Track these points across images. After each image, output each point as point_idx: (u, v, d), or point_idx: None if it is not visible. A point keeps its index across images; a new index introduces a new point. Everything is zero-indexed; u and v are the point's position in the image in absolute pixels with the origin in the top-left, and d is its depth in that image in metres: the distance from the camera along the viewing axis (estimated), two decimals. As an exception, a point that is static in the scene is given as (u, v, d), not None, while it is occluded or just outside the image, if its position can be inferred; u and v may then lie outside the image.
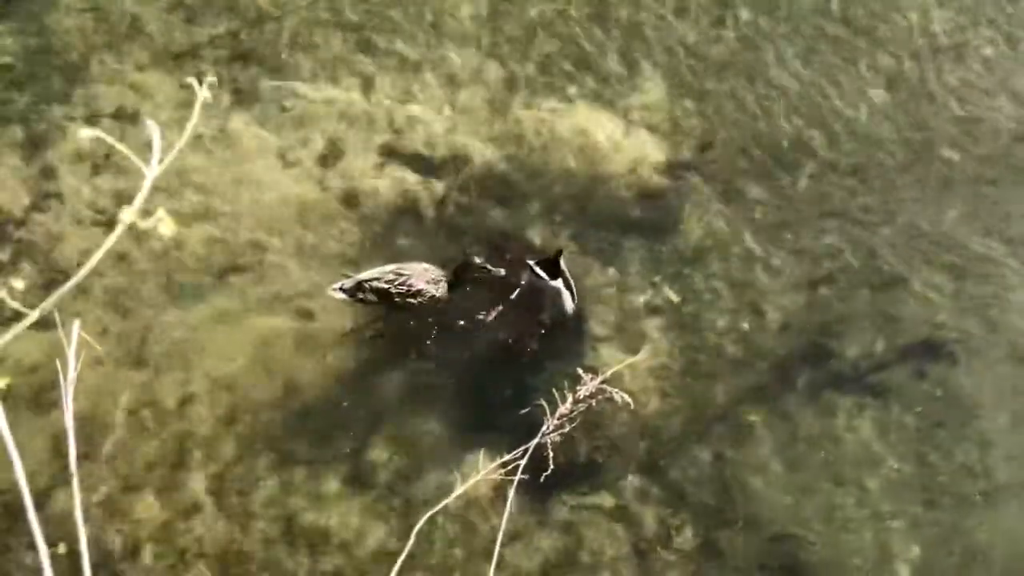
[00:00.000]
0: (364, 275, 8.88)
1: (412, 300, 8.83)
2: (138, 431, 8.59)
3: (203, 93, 3.18)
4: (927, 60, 10.39)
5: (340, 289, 8.86)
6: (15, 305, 3.34)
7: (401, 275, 8.82)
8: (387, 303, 8.87)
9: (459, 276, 8.91)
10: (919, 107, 10.17)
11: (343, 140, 9.79)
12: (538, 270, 8.86)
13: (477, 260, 8.84)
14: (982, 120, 10.12)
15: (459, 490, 6.08)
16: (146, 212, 3.29)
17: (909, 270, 9.41)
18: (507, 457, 6.51)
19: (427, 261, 9.04)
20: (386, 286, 8.79)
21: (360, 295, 8.84)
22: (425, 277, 8.85)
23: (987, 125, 10.10)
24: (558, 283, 8.87)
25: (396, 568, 5.65)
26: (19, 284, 3.43)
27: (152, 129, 3.19)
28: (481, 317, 9.12)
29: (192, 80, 3.24)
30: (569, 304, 8.99)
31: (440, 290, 8.91)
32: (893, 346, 9.12)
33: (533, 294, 9.03)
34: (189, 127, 3.23)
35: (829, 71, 10.33)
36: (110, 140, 3.42)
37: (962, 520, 8.57)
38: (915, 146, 9.98)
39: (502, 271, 8.92)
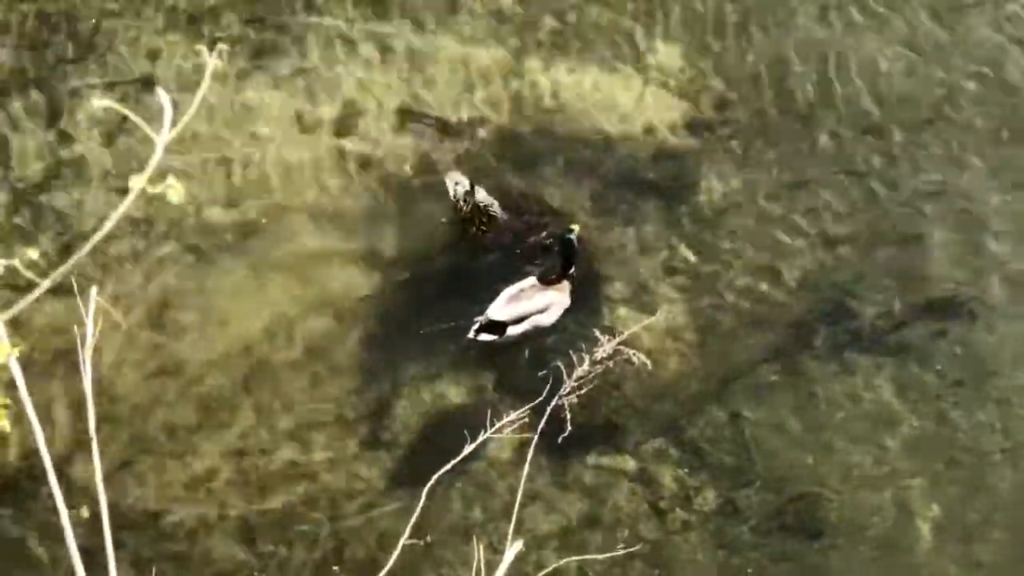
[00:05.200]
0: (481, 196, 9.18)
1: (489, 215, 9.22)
2: (158, 395, 8.65)
3: (213, 61, 3.16)
4: (946, 16, 10.28)
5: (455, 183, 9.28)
6: (28, 275, 3.36)
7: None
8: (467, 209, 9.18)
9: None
10: (938, 63, 10.07)
11: (359, 103, 9.77)
12: (482, 337, 8.83)
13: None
14: (1001, 76, 10.02)
15: (467, 449, 6.08)
16: (160, 178, 3.29)
17: (928, 228, 9.36)
18: (513, 416, 6.52)
19: (444, 223, 9.24)
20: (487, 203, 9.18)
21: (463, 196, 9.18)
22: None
23: (1006, 81, 9.99)
24: (509, 332, 8.88)
25: (409, 527, 5.68)
26: (33, 254, 3.45)
27: (163, 98, 3.18)
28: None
29: (203, 48, 3.24)
30: (546, 322, 8.97)
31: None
32: (912, 304, 9.08)
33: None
34: (199, 96, 3.23)
35: (848, 29, 10.23)
36: (122, 109, 3.41)
37: (982, 478, 8.56)
38: (934, 103, 9.90)
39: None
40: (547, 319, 8.89)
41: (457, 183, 9.12)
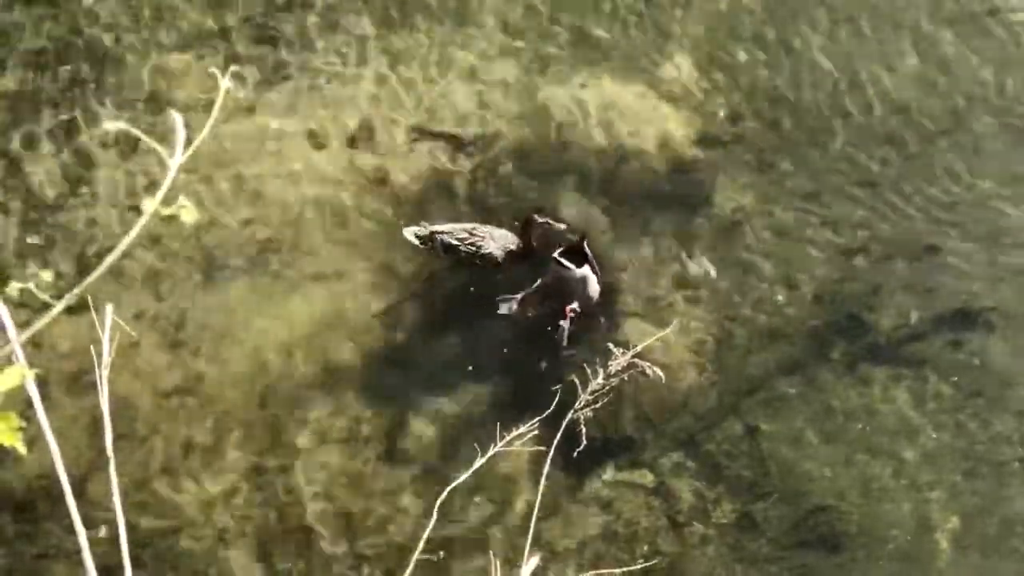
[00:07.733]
0: (439, 227, 9.02)
1: (478, 261, 8.99)
2: (175, 413, 8.66)
3: (225, 84, 3.18)
4: (960, 25, 10.26)
5: (415, 234, 9.07)
6: (43, 297, 3.38)
7: (473, 235, 8.98)
8: (454, 258, 9.02)
9: (525, 232, 9.00)
10: (952, 73, 10.04)
11: (372, 120, 9.79)
12: (564, 261, 8.77)
13: (538, 217, 8.91)
14: (1018, 85, 9.99)
15: (477, 463, 6.08)
16: (172, 199, 3.30)
17: (943, 239, 9.34)
18: (522, 429, 6.51)
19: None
20: (455, 243, 8.95)
21: (430, 244, 9.03)
22: (500, 242, 9.03)
23: (1022, 91, 9.97)
24: (585, 270, 8.79)
25: (421, 543, 5.68)
26: (47, 276, 3.48)
27: (176, 120, 3.20)
28: (505, 310, 9.09)
29: (216, 71, 3.26)
30: (595, 289, 8.90)
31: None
32: (928, 316, 9.06)
33: (559, 283, 8.92)
34: (211, 120, 3.24)
35: (861, 39, 10.22)
36: (135, 132, 3.43)
37: (1001, 489, 8.53)
38: (949, 113, 9.87)
39: (563, 225, 9.01)
40: (595, 289, 8.88)
41: (415, 234, 9.06)
